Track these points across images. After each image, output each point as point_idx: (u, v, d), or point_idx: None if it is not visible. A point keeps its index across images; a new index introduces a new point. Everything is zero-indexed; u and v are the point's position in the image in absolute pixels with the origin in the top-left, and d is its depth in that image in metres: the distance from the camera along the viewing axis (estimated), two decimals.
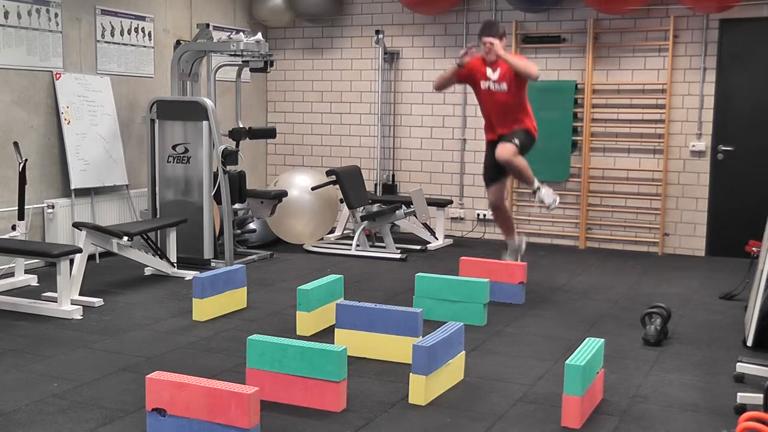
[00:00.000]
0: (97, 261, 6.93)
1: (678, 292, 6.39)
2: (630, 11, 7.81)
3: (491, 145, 6.26)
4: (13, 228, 6.19)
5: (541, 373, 4.43)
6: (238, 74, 7.67)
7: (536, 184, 6.17)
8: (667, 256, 8.00)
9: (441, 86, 6.44)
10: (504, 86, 6.08)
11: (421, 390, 3.90)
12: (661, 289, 6.46)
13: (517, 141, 6.04)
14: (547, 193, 6.17)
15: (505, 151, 6.00)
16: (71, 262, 5.57)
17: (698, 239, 7.99)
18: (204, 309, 5.36)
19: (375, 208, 8.11)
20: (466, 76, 6.26)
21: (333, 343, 4.56)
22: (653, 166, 8.05)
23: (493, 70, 6.12)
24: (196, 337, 5.01)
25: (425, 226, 8.24)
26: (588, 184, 8.27)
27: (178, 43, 7.55)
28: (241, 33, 7.24)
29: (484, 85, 6.17)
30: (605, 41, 8.16)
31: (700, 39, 7.80)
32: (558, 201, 6.27)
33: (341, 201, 8.00)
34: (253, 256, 7.39)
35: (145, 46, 7.91)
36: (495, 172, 6.30)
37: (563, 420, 3.70)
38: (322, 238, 8.21)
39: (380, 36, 8.60)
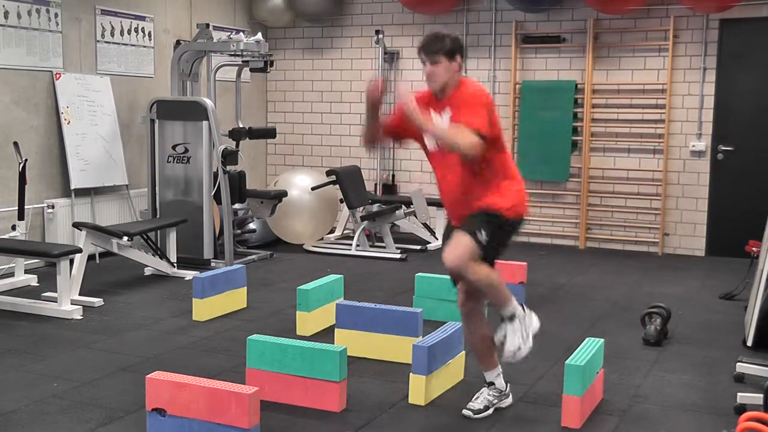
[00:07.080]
0: (97, 261, 6.92)
1: (678, 292, 6.38)
2: (630, 11, 7.81)
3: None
4: (13, 228, 6.19)
5: (541, 373, 4.43)
6: (238, 74, 7.68)
7: (511, 307, 3.62)
8: (667, 256, 7.99)
9: (369, 141, 4.00)
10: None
11: (421, 390, 3.90)
12: (661, 289, 6.45)
13: (480, 235, 3.63)
14: (517, 331, 3.60)
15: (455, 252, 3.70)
16: (71, 262, 5.57)
17: (698, 239, 7.98)
18: (204, 309, 5.36)
19: (375, 208, 8.10)
20: (399, 128, 3.87)
21: (333, 343, 4.56)
22: (653, 166, 8.05)
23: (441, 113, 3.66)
24: (196, 337, 5.01)
25: (425, 226, 8.23)
26: (588, 184, 8.26)
27: (178, 43, 7.55)
28: (241, 33, 7.24)
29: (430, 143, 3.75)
30: (605, 41, 8.16)
31: (700, 39, 7.80)
32: (529, 348, 3.62)
33: (341, 201, 8.00)
34: (253, 256, 7.39)
35: (145, 46, 7.91)
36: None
37: (563, 420, 3.70)
38: (322, 238, 8.21)
39: (380, 36, 8.59)
